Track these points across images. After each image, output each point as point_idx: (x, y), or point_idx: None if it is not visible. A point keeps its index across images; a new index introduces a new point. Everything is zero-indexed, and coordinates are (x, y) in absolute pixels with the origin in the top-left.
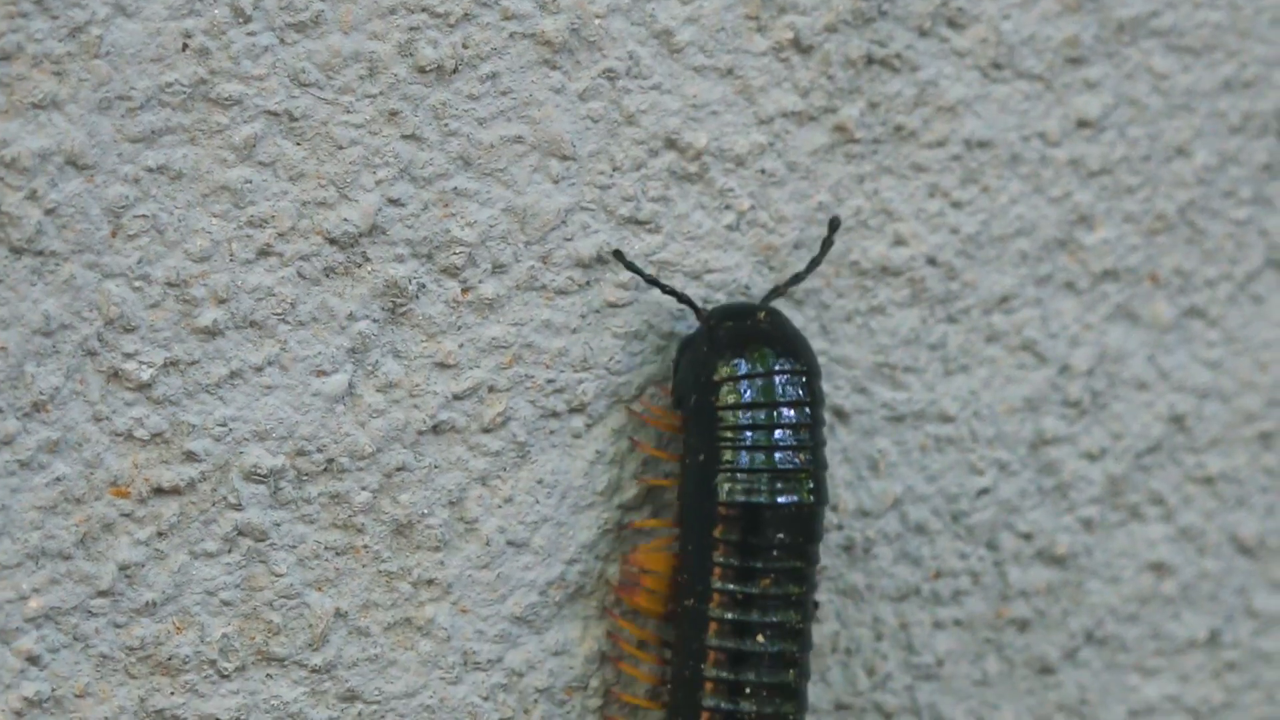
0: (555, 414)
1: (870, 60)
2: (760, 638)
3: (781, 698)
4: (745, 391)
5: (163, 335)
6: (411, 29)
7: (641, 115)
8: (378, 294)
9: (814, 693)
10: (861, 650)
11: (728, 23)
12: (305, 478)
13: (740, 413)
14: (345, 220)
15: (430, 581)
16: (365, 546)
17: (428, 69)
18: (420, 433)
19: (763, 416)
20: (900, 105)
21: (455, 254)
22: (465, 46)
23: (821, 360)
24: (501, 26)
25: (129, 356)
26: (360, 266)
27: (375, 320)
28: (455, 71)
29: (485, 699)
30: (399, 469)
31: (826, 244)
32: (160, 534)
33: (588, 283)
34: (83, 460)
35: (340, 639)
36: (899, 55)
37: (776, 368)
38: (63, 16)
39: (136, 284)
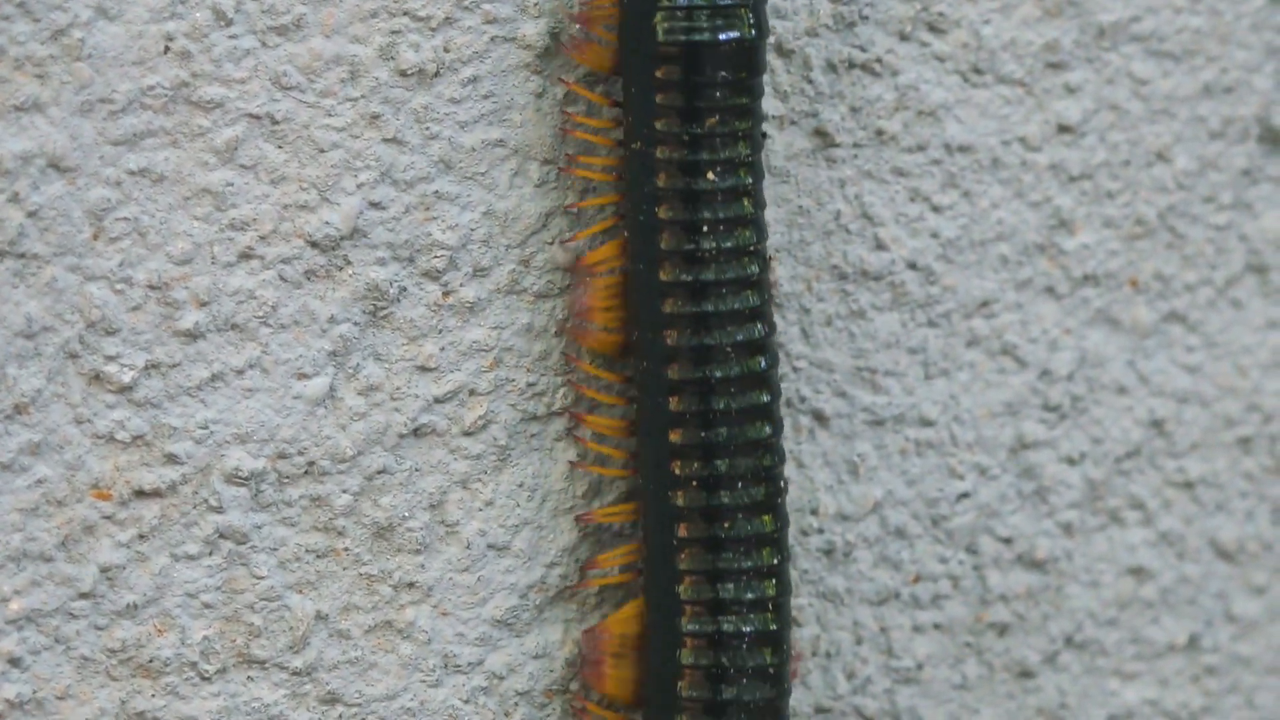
0: (536, 417)
1: (851, 65)
2: (711, 174)
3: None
4: None
5: (144, 338)
6: (393, 32)
7: None
8: (359, 297)
9: (794, 696)
10: (841, 654)
11: None
12: (286, 480)
13: None
14: (327, 223)
15: (411, 584)
16: (346, 549)
17: (409, 72)
18: (401, 436)
19: None
20: (881, 110)
21: (436, 257)
22: (447, 50)
23: (802, 364)
24: (483, 30)
25: (110, 359)
26: (341, 270)
27: (356, 323)
28: (437, 75)
29: (466, 702)
30: (380, 472)
31: None
32: (141, 536)
33: (569, 286)
34: (64, 462)
35: (321, 641)
36: (879, 60)
37: None
38: (45, 19)
39: (118, 287)
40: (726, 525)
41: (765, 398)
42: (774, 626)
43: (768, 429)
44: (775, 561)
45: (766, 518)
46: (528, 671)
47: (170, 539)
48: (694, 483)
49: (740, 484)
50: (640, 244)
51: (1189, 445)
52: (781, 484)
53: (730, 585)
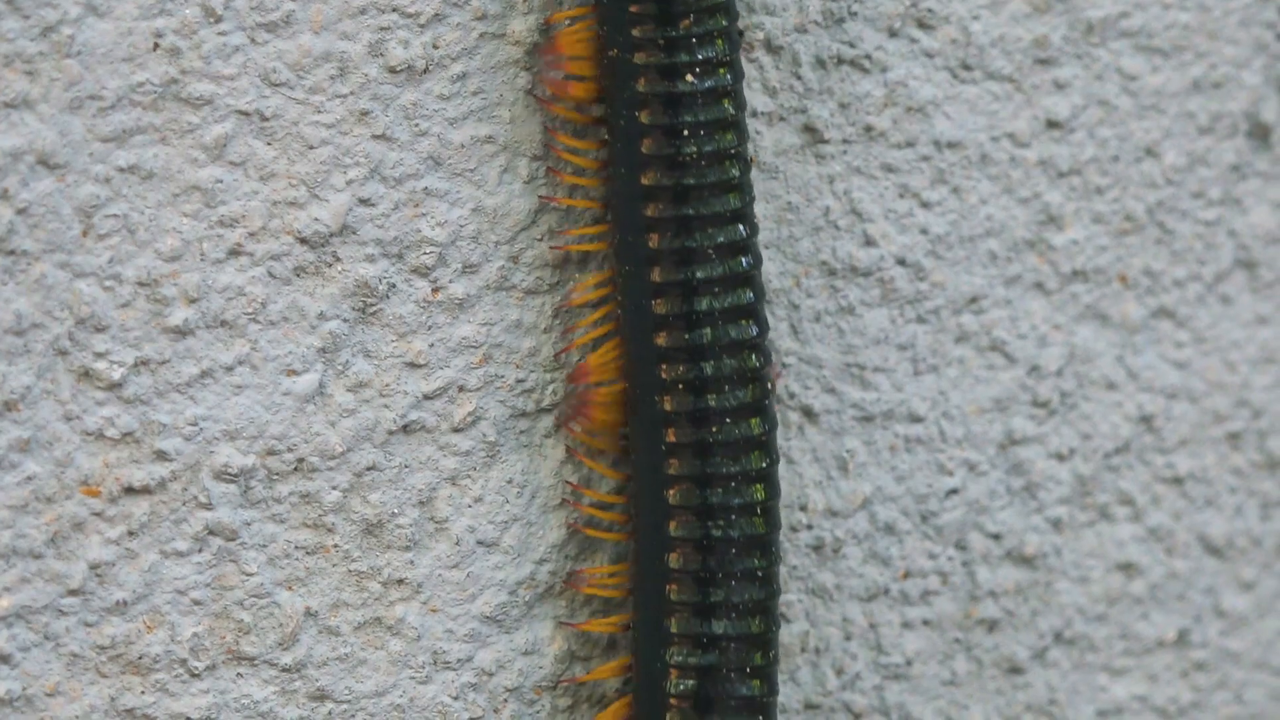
0: (525, 414)
1: (840, 61)
2: (690, 76)
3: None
4: None
5: (133, 335)
6: (382, 29)
7: None
8: (348, 294)
9: (783, 692)
10: (830, 650)
11: None
12: (276, 477)
13: None
14: (316, 220)
15: (400, 581)
16: (335, 546)
17: (398, 69)
18: (390, 432)
19: None
20: (870, 106)
21: (426, 254)
22: (436, 47)
23: (791, 360)
24: (472, 27)
25: (100, 356)
26: (331, 266)
27: (346, 320)
28: (426, 72)
29: (455, 698)
30: (369, 468)
31: None
32: (131, 533)
33: (558, 282)
34: (53, 459)
35: (310, 638)
36: (869, 56)
37: None
38: (34, 16)
39: (107, 283)
40: (715, 430)
41: (749, 296)
42: (763, 530)
43: (754, 329)
44: (765, 465)
45: (755, 420)
46: (517, 668)
47: (160, 536)
48: (680, 386)
49: (727, 386)
50: (622, 149)
51: (1178, 441)
52: (769, 386)
53: (719, 490)
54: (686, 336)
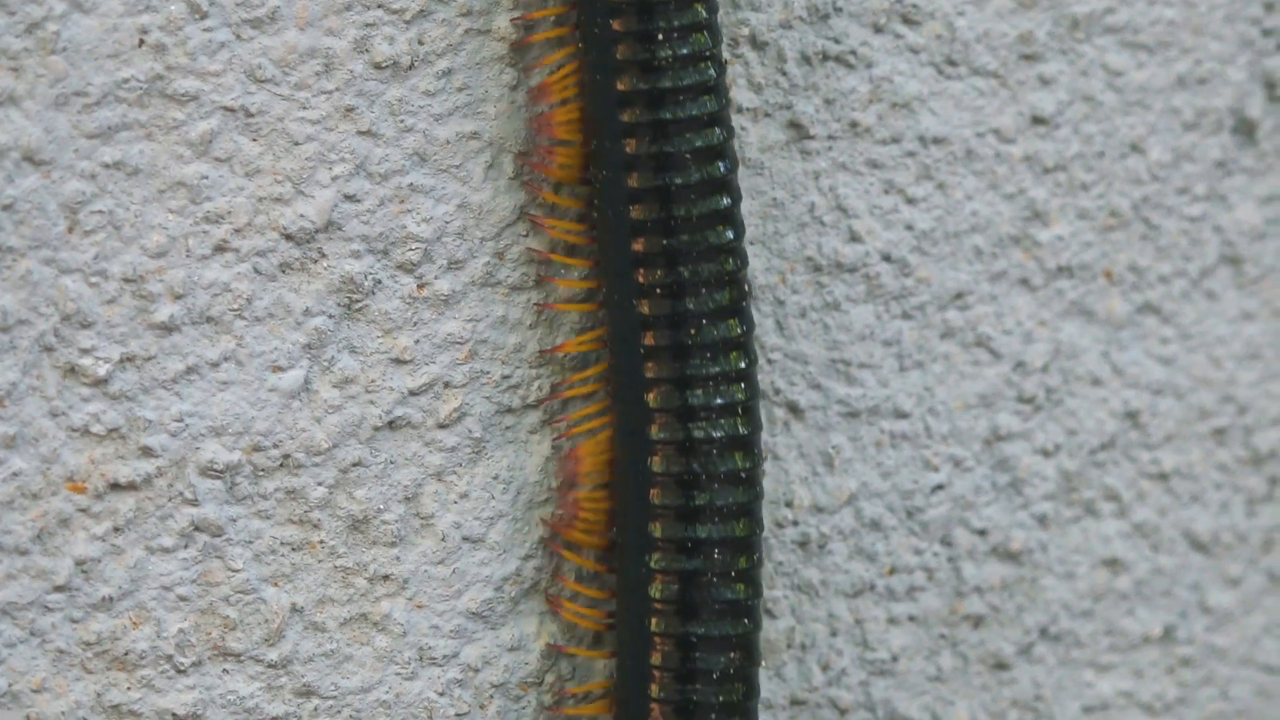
0: (511, 410)
1: (825, 57)
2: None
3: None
4: None
5: (119, 331)
6: (367, 25)
7: None
8: (334, 290)
9: (769, 688)
10: (816, 646)
11: None
12: (261, 473)
13: None
14: (301, 216)
15: (386, 577)
16: (321, 542)
17: (384, 65)
18: (376, 428)
19: None
20: (855, 102)
21: (411, 250)
22: (421, 43)
23: (776, 356)
24: (457, 23)
25: (85, 352)
26: (316, 262)
27: (331, 316)
28: (411, 68)
29: (441, 694)
30: (355, 464)
31: None
32: (117, 529)
33: (543, 278)
34: (39, 455)
35: (296, 634)
36: (853, 52)
37: None
38: (19, 12)
39: (93, 280)
40: (692, 332)
41: (726, 201)
42: (745, 431)
43: (730, 234)
44: (743, 366)
45: (732, 321)
46: (503, 664)
47: (145, 532)
48: (658, 290)
49: (705, 289)
50: (596, 56)
51: (1163, 437)
52: (746, 288)
53: (700, 392)
54: (664, 241)
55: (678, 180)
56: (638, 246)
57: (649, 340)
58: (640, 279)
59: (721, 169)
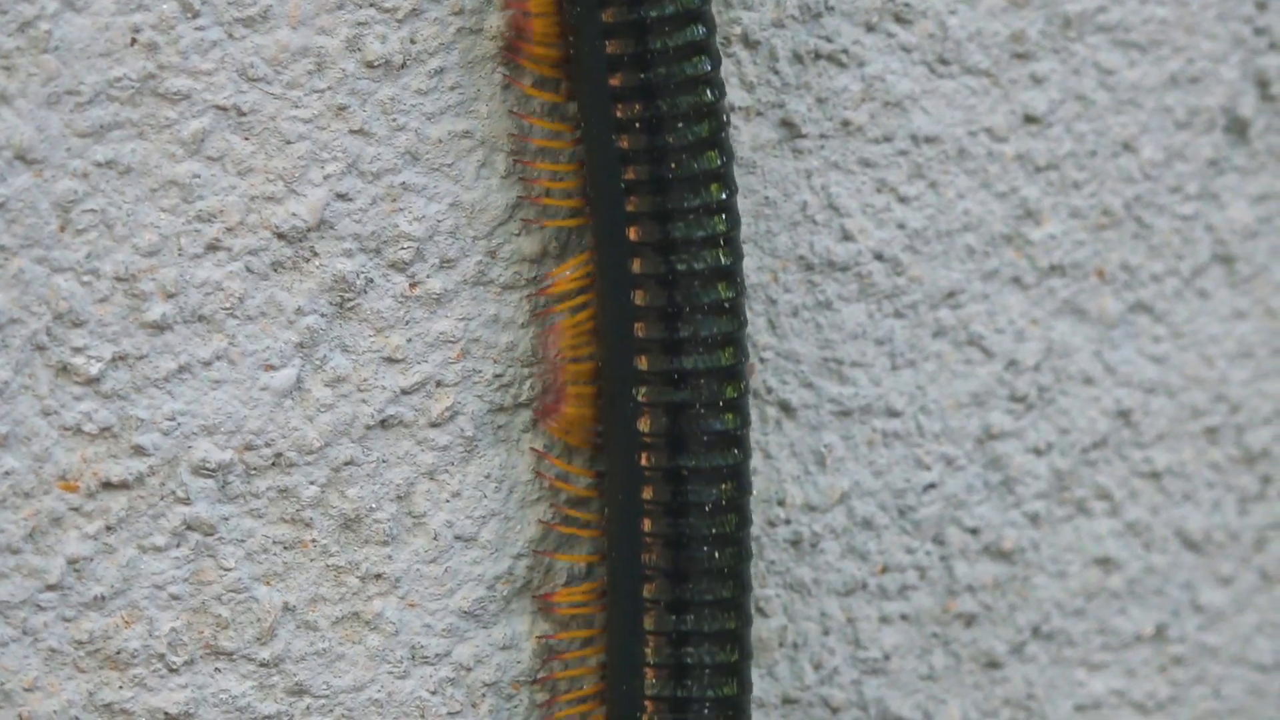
0: (503, 409)
1: (817, 56)
2: None
3: None
4: None
5: (111, 330)
6: (359, 24)
7: None
8: (326, 289)
9: (761, 687)
10: (808, 644)
11: None
12: (253, 472)
13: None
14: (293, 215)
15: (378, 576)
16: (313, 541)
17: (376, 64)
18: (368, 427)
19: None
20: (847, 100)
21: (403, 249)
22: (413, 42)
23: (769, 355)
24: (449, 22)
25: (78, 351)
26: (308, 261)
27: (323, 315)
28: (403, 67)
29: (433, 693)
30: (347, 463)
31: None
32: (109, 528)
33: (535, 277)
34: (31, 454)
35: (288, 633)
36: (846, 50)
37: None
38: (11, 11)
39: (85, 278)
40: (680, 265)
41: (712, 127)
42: (734, 403)
43: (720, 160)
44: (733, 330)
45: (723, 252)
46: (495, 662)
47: (138, 531)
48: (647, 217)
49: (692, 215)
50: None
51: (1156, 435)
52: (736, 217)
53: (688, 358)
54: (641, 75)
55: (664, 108)
56: (614, 82)
57: (629, 175)
58: (618, 114)
59: (710, 96)
